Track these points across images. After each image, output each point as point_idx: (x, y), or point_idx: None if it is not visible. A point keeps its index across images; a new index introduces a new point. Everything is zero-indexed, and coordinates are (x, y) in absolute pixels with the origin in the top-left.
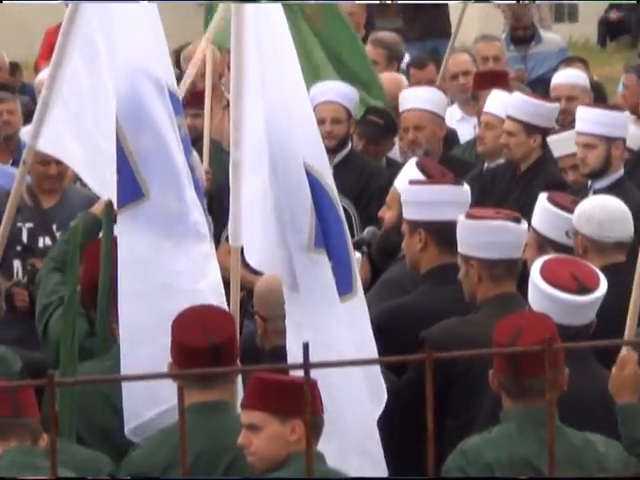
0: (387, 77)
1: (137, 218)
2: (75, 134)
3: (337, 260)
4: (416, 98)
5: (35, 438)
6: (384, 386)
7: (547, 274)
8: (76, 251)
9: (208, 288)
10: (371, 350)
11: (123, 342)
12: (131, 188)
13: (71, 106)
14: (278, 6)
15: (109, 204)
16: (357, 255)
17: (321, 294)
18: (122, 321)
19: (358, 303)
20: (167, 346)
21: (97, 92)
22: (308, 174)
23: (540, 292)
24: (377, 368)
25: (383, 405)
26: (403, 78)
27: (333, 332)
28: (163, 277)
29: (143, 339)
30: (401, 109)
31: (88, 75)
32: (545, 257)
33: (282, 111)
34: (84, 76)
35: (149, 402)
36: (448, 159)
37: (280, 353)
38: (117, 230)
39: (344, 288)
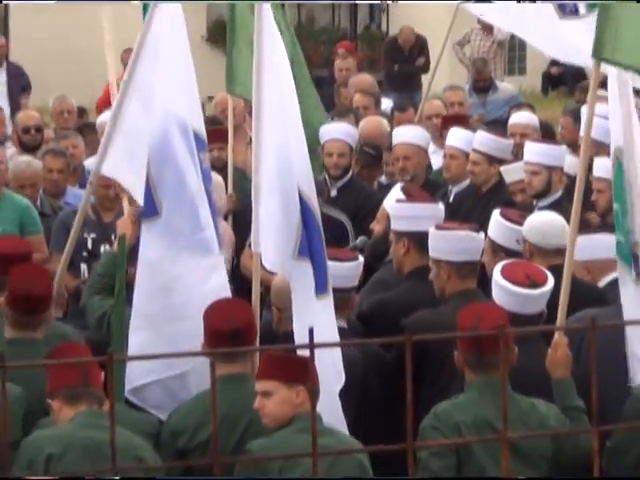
0: (372, 120)
1: (151, 231)
2: (130, 164)
3: (317, 266)
4: (405, 134)
5: (100, 403)
6: (342, 371)
7: (506, 274)
8: (124, 259)
9: (209, 291)
10: (334, 338)
11: (131, 326)
12: (150, 207)
13: (129, 140)
14: (286, 60)
15: (122, 237)
16: (360, 259)
17: (303, 293)
18: (134, 309)
19: (328, 302)
20: (170, 332)
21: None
22: (300, 198)
23: (501, 288)
24: (339, 356)
25: (342, 384)
26: (384, 121)
27: (310, 323)
28: (164, 279)
29: (147, 325)
30: (394, 143)
31: (144, 116)
32: (504, 261)
33: (286, 148)
34: (140, 117)
35: (143, 373)
36: (429, 183)
37: (291, 336)
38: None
39: (321, 288)
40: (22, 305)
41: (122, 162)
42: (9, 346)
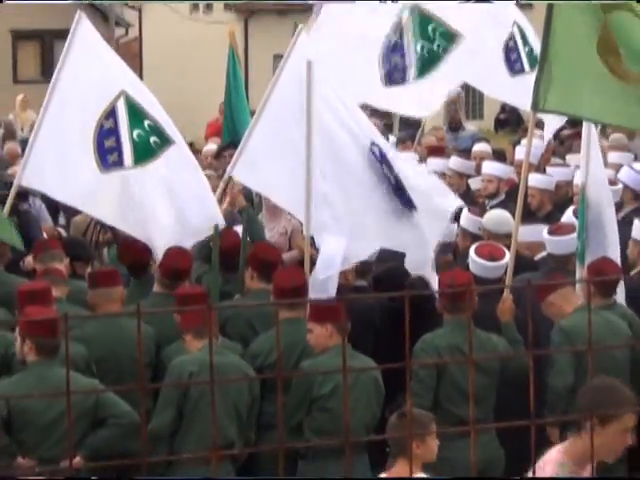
0: None
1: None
2: (271, 167)
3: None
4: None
5: (217, 337)
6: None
7: (477, 251)
8: (216, 240)
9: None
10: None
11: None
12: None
13: (269, 150)
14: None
15: (216, 226)
16: None
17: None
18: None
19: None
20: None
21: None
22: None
23: (474, 261)
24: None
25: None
26: None
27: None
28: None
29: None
30: None
31: (296, 130)
32: (478, 243)
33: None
34: (293, 130)
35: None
36: None
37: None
38: None
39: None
40: (169, 275)
41: (257, 166)
42: (152, 298)
